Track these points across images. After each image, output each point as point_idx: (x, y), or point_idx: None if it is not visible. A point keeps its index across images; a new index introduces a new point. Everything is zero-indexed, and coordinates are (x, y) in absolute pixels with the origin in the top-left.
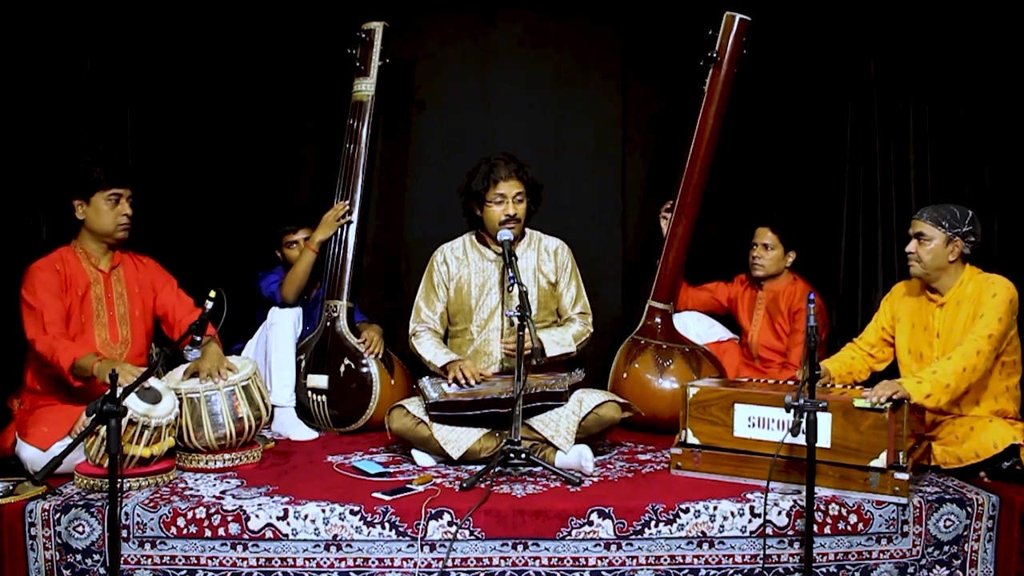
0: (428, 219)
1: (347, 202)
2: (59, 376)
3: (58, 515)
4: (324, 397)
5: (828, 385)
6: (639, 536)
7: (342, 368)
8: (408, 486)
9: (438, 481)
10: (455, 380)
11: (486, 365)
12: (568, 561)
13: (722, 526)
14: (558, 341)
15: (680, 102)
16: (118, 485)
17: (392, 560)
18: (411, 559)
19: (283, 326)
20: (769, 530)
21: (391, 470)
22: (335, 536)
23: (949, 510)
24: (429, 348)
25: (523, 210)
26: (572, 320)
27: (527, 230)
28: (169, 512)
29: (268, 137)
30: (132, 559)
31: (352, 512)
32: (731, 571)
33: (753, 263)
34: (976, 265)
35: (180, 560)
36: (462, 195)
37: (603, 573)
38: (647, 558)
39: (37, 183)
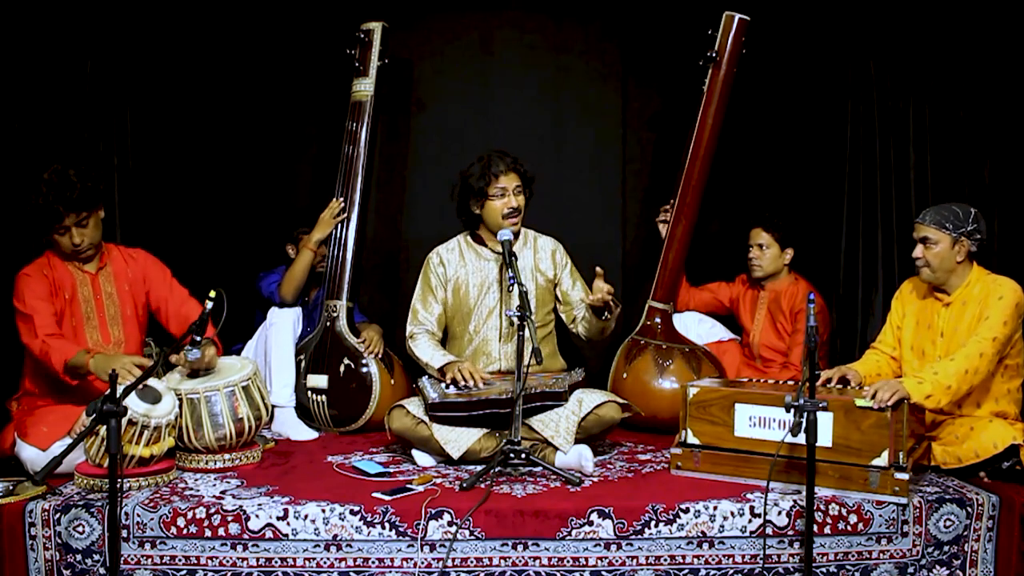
0: (427, 219)
1: (342, 199)
2: (57, 377)
3: (58, 515)
4: (324, 397)
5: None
6: (639, 536)
7: (342, 368)
8: (408, 486)
9: (438, 481)
10: (453, 381)
11: (484, 365)
12: (568, 561)
13: (722, 526)
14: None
15: (680, 102)
16: (118, 485)
17: (392, 560)
18: (411, 559)
19: (283, 326)
20: (769, 530)
21: (391, 470)
22: (335, 536)
23: (949, 510)
24: (426, 350)
25: (523, 202)
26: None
27: (523, 229)
28: (169, 512)
29: (268, 137)
30: (132, 559)
31: (352, 512)
32: (731, 571)
33: (751, 264)
34: (978, 265)
35: (180, 560)
36: (456, 196)
37: (603, 573)
38: (647, 558)
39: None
